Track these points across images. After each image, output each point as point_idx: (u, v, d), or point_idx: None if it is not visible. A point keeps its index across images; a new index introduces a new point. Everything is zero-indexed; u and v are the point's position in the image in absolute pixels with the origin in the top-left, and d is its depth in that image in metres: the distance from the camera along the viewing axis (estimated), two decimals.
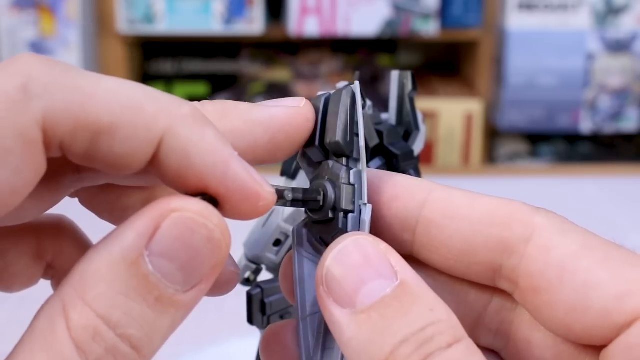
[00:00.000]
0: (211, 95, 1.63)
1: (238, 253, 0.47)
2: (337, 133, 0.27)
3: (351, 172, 0.26)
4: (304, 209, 0.27)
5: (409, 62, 1.77)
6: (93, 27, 1.50)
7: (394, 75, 0.37)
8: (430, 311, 0.23)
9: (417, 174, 0.37)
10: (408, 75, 0.37)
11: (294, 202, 0.26)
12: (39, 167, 0.22)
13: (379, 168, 0.35)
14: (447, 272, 0.26)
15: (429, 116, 1.53)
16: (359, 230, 0.26)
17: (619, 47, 1.52)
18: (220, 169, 0.23)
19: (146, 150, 0.23)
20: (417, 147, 0.37)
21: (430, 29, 1.51)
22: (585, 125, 1.55)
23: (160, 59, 1.68)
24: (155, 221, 0.22)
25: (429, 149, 1.54)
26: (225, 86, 1.66)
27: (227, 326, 0.87)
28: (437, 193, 0.26)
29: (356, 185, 0.26)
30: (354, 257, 0.24)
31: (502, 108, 1.54)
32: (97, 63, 1.51)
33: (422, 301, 0.23)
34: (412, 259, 0.26)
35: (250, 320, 0.42)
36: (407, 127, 0.37)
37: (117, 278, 0.22)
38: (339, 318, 0.23)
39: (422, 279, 0.24)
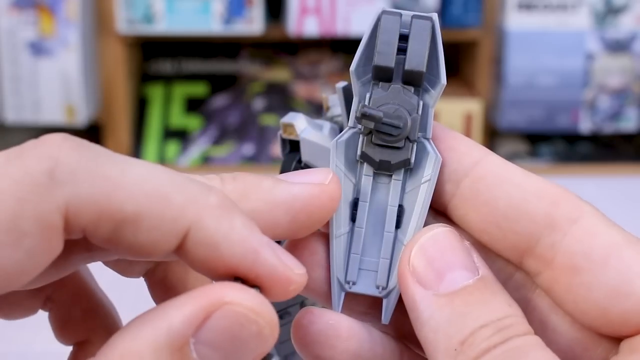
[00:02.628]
0: (211, 95, 1.64)
1: None
2: (423, 63, 0.27)
3: (421, 104, 0.27)
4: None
5: None
6: (92, 27, 1.50)
7: None
8: (507, 306, 0.24)
9: None
10: None
11: (380, 125, 0.27)
12: (54, 251, 0.22)
13: None
14: (477, 235, 0.27)
15: None
16: (426, 165, 0.27)
17: (618, 47, 1.52)
18: (250, 258, 0.23)
19: (171, 240, 0.23)
20: None
21: None
22: (585, 125, 1.56)
23: (159, 59, 1.68)
24: (206, 310, 0.22)
25: None
26: (224, 86, 1.66)
27: None
28: (494, 157, 0.27)
29: (423, 119, 0.27)
30: (443, 245, 0.25)
31: (502, 108, 1.54)
32: (96, 63, 1.51)
33: (500, 296, 0.24)
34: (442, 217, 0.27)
35: None
36: None
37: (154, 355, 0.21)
38: (421, 297, 0.25)
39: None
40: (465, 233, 0.27)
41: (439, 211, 0.28)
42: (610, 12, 1.52)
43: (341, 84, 0.35)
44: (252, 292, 0.23)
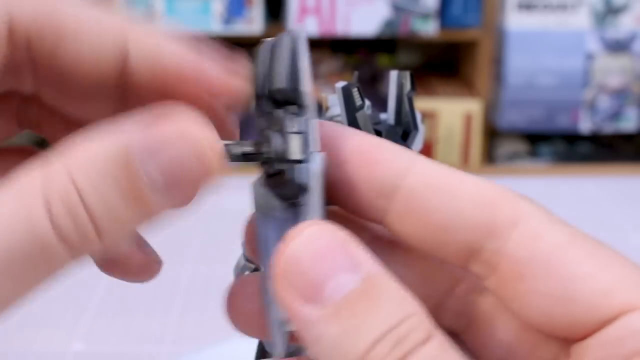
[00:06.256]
0: None
1: (237, 253, 0.47)
2: (282, 80, 0.26)
3: (297, 119, 0.25)
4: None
5: (408, 62, 1.77)
6: None
7: (393, 75, 0.37)
8: (400, 305, 0.22)
9: None
10: (407, 75, 0.37)
11: (243, 157, 0.25)
12: None
13: None
14: (418, 246, 0.25)
15: (429, 116, 1.53)
16: (309, 180, 0.25)
17: (618, 47, 1.52)
18: (193, 57, 0.25)
19: (114, 51, 0.25)
20: (416, 147, 0.37)
21: (429, 28, 1.51)
22: (585, 125, 1.56)
23: None
24: (156, 120, 0.23)
25: (428, 149, 1.54)
26: None
27: (226, 326, 0.87)
28: (423, 163, 0.25)
29: (304, 134, 0.25)
30: (316, 248, 0.22)
31: (502, 108, 1.54)
32: None
33: (391, 295, 0.22)
34: (376, 238, 0.26)
35: None
36: (405, 127, 0.37)
37: (101, 156, 0.23)
38: (305, 314, 0.22)
39: (386, 269, 0.23)
40: (405, 245, 0.25)
41: (375, 222, 0.26)
42: (610, 12, 1.52)
43: (341, 84, 0.35)
44: (208, 127, 0.24)
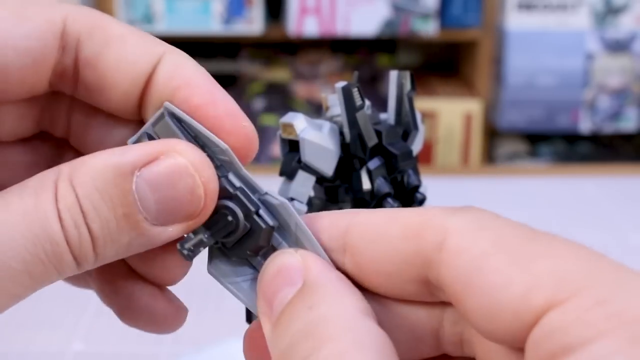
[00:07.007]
0: None
1: None
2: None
3: (230, 177, 0.26)
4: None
5: (408, 62, 1.77)
6: None
7: (393, 75, 0.37)
8: (308, 309, 0.23)
9: (416, 173, 0.37)
10: (407, 75, 0.37)
11: (214, 240, 0.26)
12: (49, 46, 0.27)
13: (377, 167, 0.35)
14: (386, 295, 0.25)
15: (429, 116, 1.53)
16: (285, 215, 0.26)
17: (618, 47, 1.53)
18: (206, 78, 0.28)
19: (149, 61, 0.27)
20: (416, 147, 0.37)
21: (429, 29, 1.51)
22: (585, 125, 1.56)
23: None
24: (157, 152, 0.25)
25: (428, 149, 1.54)
26: (224, 86, 1.65)
27: (226, 326, 0.87)
28: (358, 218, 0.25)
29: (243, 186, 0.26)
30: (271, 272, 0.24)
31: (502, 108, 1.54)
32: None
33: (305, 300, 0.23)
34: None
35: (249, 320, 0.42)
36: (406, 127, 0.37)
37: (102, 178, 0.24)
38: (266, 332, 0.24)
39: (332, 275, 0.24)
40: (382, 296, 0.26)
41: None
42: (610, 12, 1.52)
43: (341, 83, 0.35)
44: (200, 152, 0.25)
